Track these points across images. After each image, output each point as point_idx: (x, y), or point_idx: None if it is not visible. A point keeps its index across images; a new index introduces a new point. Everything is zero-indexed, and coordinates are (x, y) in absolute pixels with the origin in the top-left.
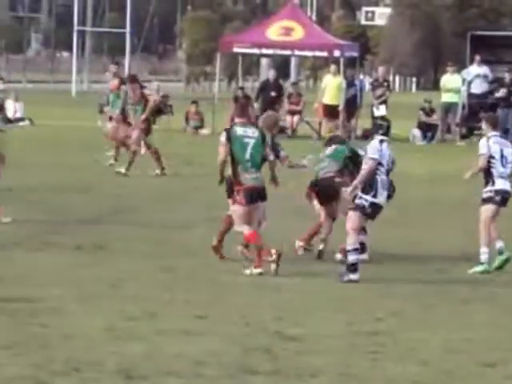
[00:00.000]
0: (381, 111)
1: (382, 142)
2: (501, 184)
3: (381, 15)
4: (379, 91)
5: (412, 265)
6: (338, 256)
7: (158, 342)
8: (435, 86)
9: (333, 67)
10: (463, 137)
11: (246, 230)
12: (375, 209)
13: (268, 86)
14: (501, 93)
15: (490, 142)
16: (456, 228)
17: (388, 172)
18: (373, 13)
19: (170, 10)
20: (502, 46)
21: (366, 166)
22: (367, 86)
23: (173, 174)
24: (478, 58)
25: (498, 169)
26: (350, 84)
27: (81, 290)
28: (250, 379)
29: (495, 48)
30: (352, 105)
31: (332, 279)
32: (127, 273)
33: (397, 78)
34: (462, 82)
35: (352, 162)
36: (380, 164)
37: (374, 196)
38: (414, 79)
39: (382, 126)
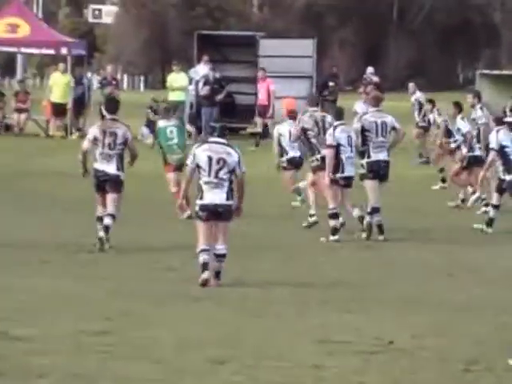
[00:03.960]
0: None
1: None
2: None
3: (108, 13)
4: (108, 90)
5: (143, 263)
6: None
7: None
8: (163, 84)
9: (61, 65)
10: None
11: None
12: None
13: None
14: (204, 91)
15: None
16: (178, 223)
17: None
18: (100, 10)
19: None
20: (227, 45)
21: None
22: (95, 85)
23: None
24: (205, 57)
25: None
26: (79, 82)
27: None
28: None
29: (221, 47)
30: (80, 103)
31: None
32: None
33: (125, 77)
34: (189, 81)
35: None
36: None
37: None
38: (142, 78)
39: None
